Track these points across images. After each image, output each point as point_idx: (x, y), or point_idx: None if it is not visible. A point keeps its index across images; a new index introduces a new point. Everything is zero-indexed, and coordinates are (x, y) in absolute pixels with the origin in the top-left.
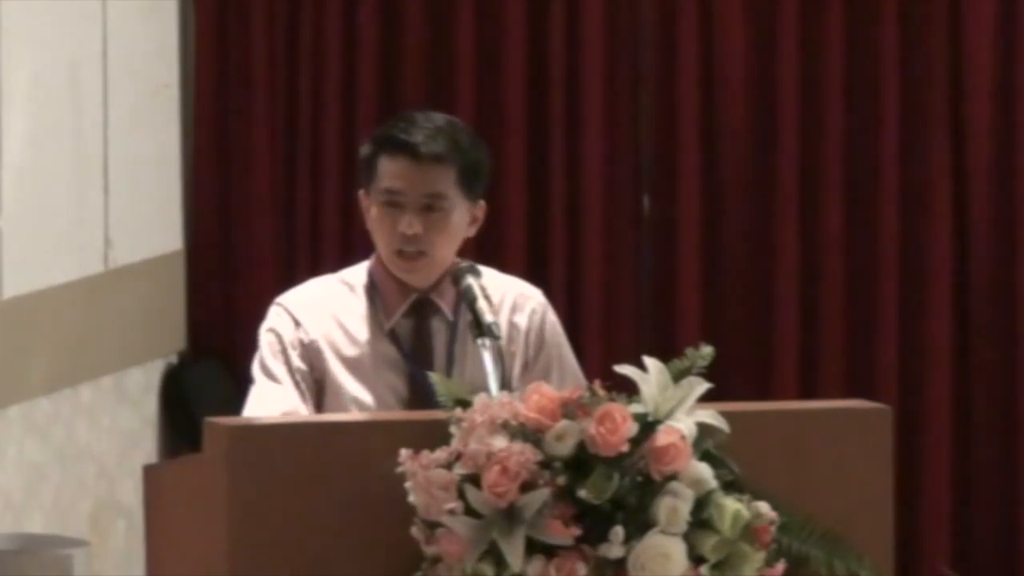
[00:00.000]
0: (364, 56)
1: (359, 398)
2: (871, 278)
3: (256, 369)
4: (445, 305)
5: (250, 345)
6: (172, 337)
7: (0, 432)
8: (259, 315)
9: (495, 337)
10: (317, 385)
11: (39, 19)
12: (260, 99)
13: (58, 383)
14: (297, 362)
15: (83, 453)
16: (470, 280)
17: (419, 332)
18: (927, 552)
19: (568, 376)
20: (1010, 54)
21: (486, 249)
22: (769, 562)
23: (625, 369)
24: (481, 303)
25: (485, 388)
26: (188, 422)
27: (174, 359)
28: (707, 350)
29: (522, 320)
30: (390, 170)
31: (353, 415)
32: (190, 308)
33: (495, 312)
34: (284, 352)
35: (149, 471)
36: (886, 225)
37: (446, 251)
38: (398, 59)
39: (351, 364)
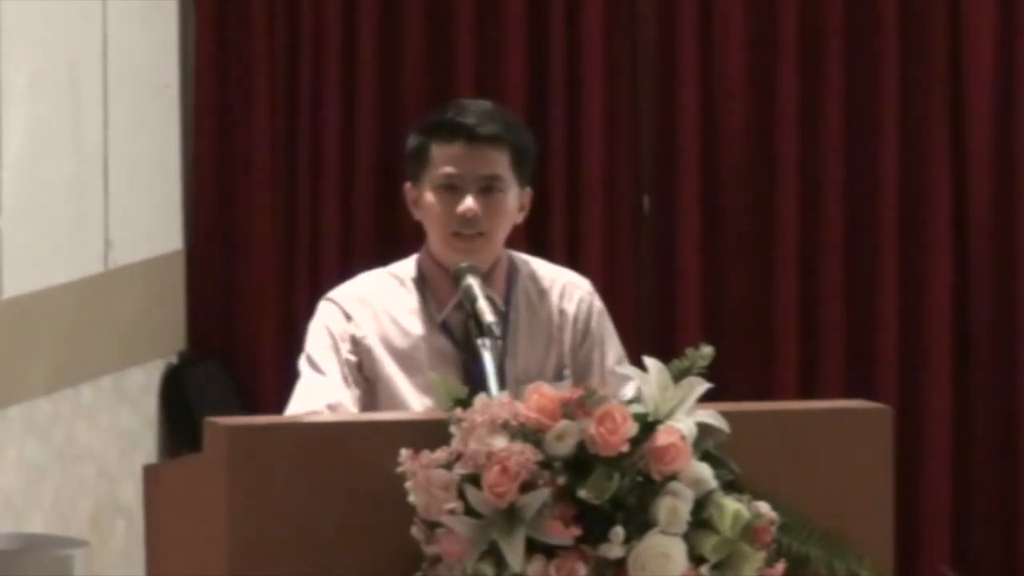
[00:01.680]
0: (364, 56)
1: (413, 393)
2: (871, 278)
3: (302, 362)
4: (496, 294)
5: (250, 345)
6: (172, 337)
7: (0, 432)
8: (259, 315)
9: (495, 337)
10: (367, 383)
11: (39, 19)
12: (260, 99)
13: (58, 383)
14: (347, 355)
15: (83, 453)
16: (470, 280)
17: (470, 323)
18: (927, 552)
19: (610, 365)
20: (1010, 55)
21: None
22: (769, 562)
23: (625, 369)
24: (481, 303)
25: (541, 377)
26: (188, 422)
27: (174, 359)
28: (707, 350)
29: (571, 307)
30: (445, 154)
31: (353, 415)
32: (190, 308)
33: (496, 312)
34: (334, 346)
35: (149, 471)
36: (886, 225)
37: (501, 235)
38: (398, 59)
39: (404, 359)
